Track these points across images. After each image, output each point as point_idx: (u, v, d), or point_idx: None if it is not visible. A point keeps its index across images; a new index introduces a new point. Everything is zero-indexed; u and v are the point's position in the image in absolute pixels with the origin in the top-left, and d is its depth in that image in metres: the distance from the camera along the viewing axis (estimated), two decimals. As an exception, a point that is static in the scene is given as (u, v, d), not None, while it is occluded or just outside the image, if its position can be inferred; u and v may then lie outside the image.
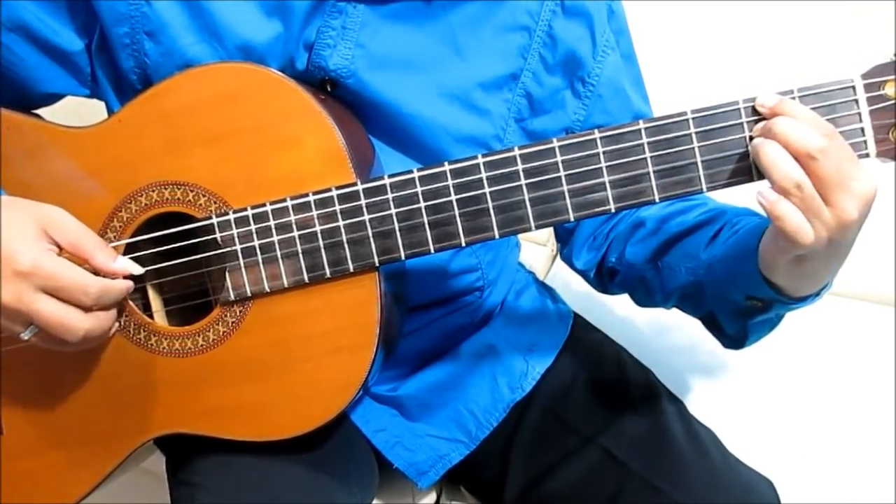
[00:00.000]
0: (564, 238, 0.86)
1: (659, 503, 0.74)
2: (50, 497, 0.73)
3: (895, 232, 1.12)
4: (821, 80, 0.62)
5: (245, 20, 0.71)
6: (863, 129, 0.62)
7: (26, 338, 0.63)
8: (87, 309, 0.63)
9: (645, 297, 0.81)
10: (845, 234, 0.60)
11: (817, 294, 0.67)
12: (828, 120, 0.61)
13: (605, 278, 0.84)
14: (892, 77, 0.61)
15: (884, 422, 0.95)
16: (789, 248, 0.60)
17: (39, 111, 0.77)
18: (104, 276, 0.65)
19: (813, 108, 0.61)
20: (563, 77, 0.77)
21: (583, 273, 0.85)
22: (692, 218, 0.76)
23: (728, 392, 0.99)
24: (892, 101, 0.61)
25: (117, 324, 0.68)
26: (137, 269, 0.67)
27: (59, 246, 0.64)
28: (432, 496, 0.89)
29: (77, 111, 0.79)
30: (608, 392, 0.81)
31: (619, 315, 1.01)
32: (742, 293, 0.69)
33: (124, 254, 0.69)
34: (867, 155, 0.62)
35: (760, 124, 0.61)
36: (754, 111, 0.62)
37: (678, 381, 0.85)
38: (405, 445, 0.80)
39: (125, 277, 0.67)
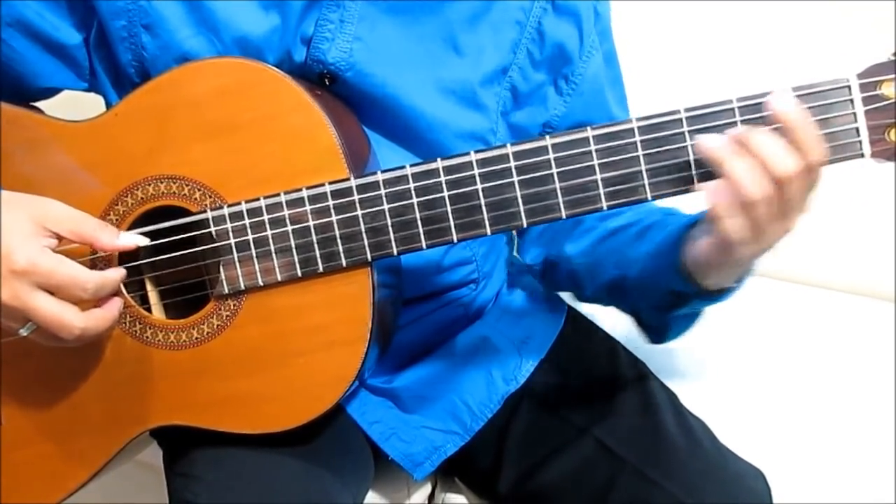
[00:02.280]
0: (521, 233, 0.88)
1: (651, 493, 0.75)
2: (48, 486, 0.74)
3: (895, 228, 1.11)
4: (816, 80, 0.61)
5: (242, 14, 0.71)
6: (857, 130, 0.61)
7: (24, 334, 0.64)
8: (85, 305, 0.64)
9: (577, 291, 0.84)
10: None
11: (733, 289, 0.69)
12: (822, 120, 0.61)
13: (547, 273, 0.86)
14: (889, 77, 0.61)
15: (882, 417, 0.95)
16: (724, 255, 0.62)
17: (39, 104, 0.77)
18: (114, 257, 0.66)
19: (808, 108, 0.61)
20: (547, 73, 0.78)
21: (531, 269, 0.87)
22: (627, 217, 0.79)
23: (722, 384, 1.00)
24: (888, 101, 0.61)
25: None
26: (143, 240, 0.67)
27: (59, 237, 0.64)
28: (427, 488, 0.90)
29: (77, 105, 0.79)
30: (602, 384, 0.82)
31: (612, 308, 1.02)
32: (663, 288, 0.71)
33: (120, 249, 0.69)
34: (861, 155, 0.62)
35: (737, 129, 0.60)
36: (748, 110, 0.61)
37: (671, 374, 0.85)
38: (400, 437, 0.80)
39: (124, 266, 0.67)
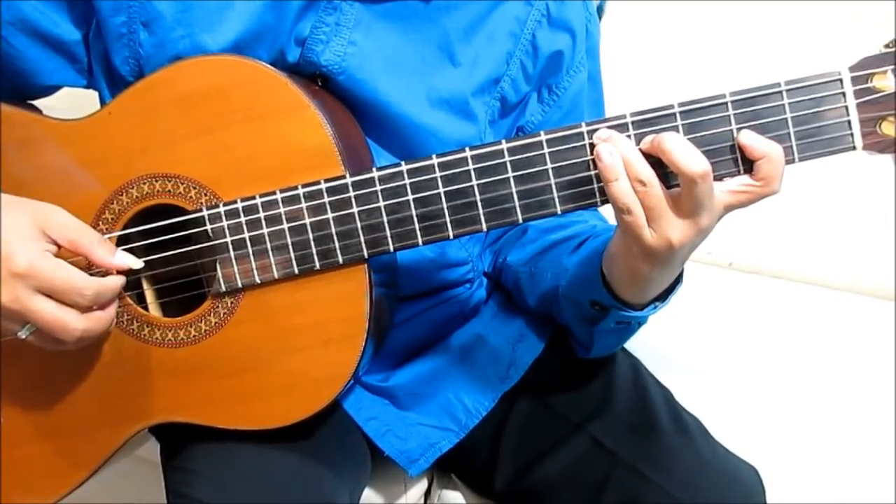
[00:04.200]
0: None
1: (646, 490, 0.75)
2: (48, 484, 0.74)
3: (895, 226, 1.12)
4: (810, 73, 0.62)
5: (237, 13, 0.71)
6: (849, 123, 0.61)
7: (23, 337, 0.64)
8: (84, 309, 0.64)
9: (522, 300, 0.84)
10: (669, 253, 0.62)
11: (654, 307, 0.70)
12: (814, 113, 0.61)
13: (499, 280, 0.87)
14: (880, 69, 0.61)
15: (881, 417, 0.96)
16: (628, 244, 0.63)
17: (38, 103, 0.78)
18: (104, 271, 0.66)
19: (800, 101, 0.61)
20: (535, 83, 0.79)
21: (486, 274, 0.88)
22: (571, 231, 0.80)
23: (717, 382, 1.00)
24: (880, 94, 0.61)
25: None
26: (137, 263, 0.68)
27: (57, 244, 0.64)
28: (424, 484, 0.90)
29: (76, 102, 0.80)
30: (596, 381, 0.82)
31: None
32: (587, 297, 0.72)
33: (116, 246, 0.69)
34: (853, 148, 0.62)
35: (649, 138, 0.62)
36: (741, 104, 0.62)
37: (666, 371, 0.85)
38: (396, 434, 0.81)
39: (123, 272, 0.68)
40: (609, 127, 0.63)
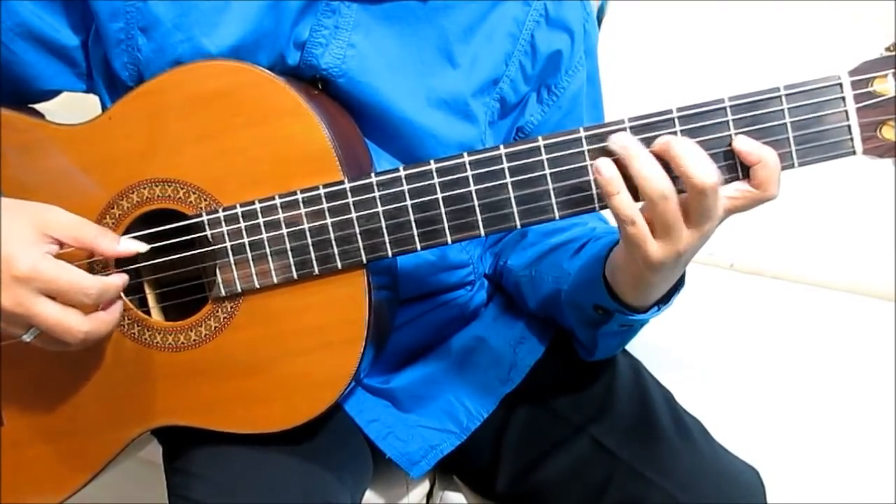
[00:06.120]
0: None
1: (646, 491, 0.75)
2: (49, 487, 0.74)
3: (895, 227, 1.11)
4: (810, 78, 0.61)
5: (235, 17, 0.72)
6: (849, 127, 0.61)
7: (28, 340, 0.64)
8: (87, 310, 0.64)
9: (523, 304, 0.84)
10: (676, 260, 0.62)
11: (657, 309, 0.70)
12: (814, 118, 0.61)
13: (500, 283, 0.87)
14: (880, 73, 0.61)
15: (881, 417, 0.96)
16: (630, 253, 0.62)
17: (39, 107, 0.78)
18: (111, 261, 0.67)
19: (800, 106, 0.61)
20: (534, 84, 0.79)
21: (487, 277, 0.88)
22: (570, 234, 0.80)
23: (718, 383, 1.00)
24: (880, 98, 0.61)
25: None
26: (144, 247, 0.68)
27: (60, 243, 0.65)
28: (426, 485, 0.90)
29: (76, 106, 0.80)
30: (597, 383, 0.82)
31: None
32: (590, 301, 0.72)
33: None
34: (853, 153, 0.62)
35: (662, 139, 0.60)
36: (740, 109, 0.61)
37: (667, 372, 0.86)
38: (397, 436, 0.81)
39: (122, 269, 0.68)
40: (606, 132, 0.63)
